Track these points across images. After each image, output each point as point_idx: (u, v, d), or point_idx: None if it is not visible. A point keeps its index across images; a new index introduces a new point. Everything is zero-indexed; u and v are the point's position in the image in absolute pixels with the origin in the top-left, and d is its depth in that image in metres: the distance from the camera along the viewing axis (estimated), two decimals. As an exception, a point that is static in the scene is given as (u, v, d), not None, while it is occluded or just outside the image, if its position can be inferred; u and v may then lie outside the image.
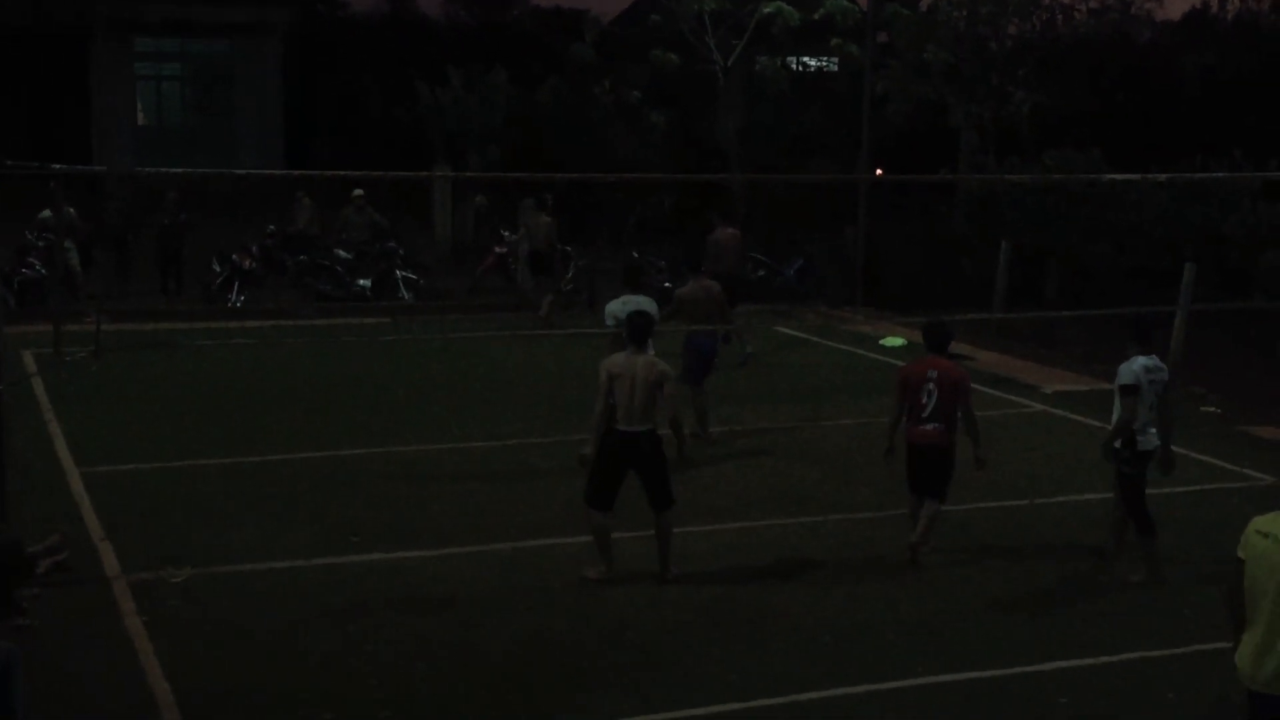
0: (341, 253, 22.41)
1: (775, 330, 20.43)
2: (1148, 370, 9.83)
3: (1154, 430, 9.93)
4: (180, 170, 19.99)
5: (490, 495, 11.70)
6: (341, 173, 17.14)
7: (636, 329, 9.92)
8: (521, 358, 17.79)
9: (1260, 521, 5.98)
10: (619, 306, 12.29)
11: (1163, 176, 18.38)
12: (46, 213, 20.34)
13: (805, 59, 37.30)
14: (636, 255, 22.82)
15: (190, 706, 7.64)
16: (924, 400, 10.10)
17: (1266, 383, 16.72)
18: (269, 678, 8.07)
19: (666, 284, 22.46)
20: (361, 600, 9.30)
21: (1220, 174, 19.57)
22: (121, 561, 9.88)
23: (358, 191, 23.16)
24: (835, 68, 34.42)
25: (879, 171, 24.92)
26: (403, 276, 22.22)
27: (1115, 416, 9.92)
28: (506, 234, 23.62)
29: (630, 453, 9.58)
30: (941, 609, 9.37)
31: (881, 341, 19.48)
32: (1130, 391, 9.75)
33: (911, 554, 10.13)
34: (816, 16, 27.44)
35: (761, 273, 23.77)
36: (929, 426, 10.12)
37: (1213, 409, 15.72)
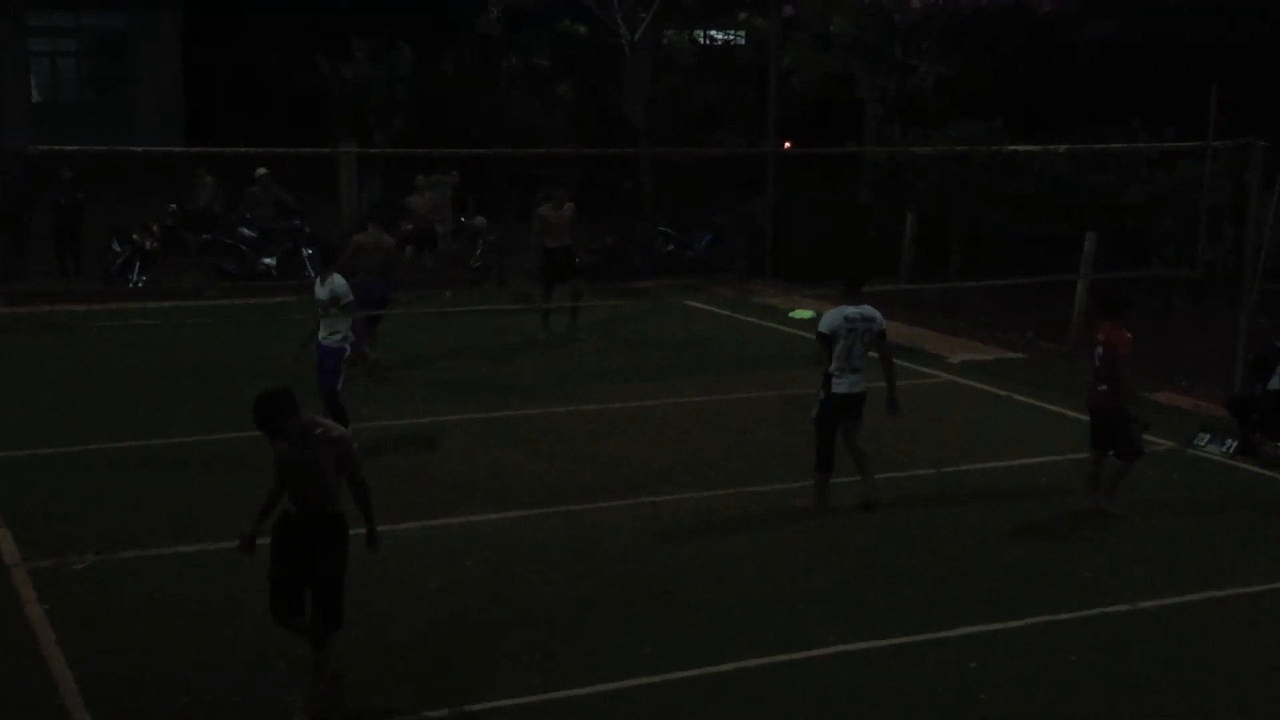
0: (246, 231, 22.06)
1: (685, 304, 20.47)
2: (848, 320, 10.60)
3: (855, 376, 10.65)
4: (75, 148, 19.57)
5: (400, 475, 11.61)
6: (243, 149, 16.81)
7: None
8: (430, 336, 17.66)
9: None
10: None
11: (1063, 147, 18.62)
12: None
13: (712, 32, 37.32)
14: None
15: (94, 695, 7.51)
16: (1096, 364, 10.79)
17: (1164, 349, 17.04)
18: (175, 664, 7.95)
19: (575, 259, 22.41)
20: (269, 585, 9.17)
21: (1118, 145, 19.87)
22: (21, 549, 9.68)
23: (262, 170, 22.81)
24: (742, 41, 34.47)
25: (786, 144, 25.02)
26: (309, 255, 21.92)
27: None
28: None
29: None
30: (851, 578, 9.47)
31: (791, 314, 19.60)
32: (822, 339, 10.63)
33: (1099, 506, 10.86)
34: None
35: (671, 246, 23.79)
36: (1100, 389, 10.80)
37: (1114, 375, 15.99)
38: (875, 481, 10.97)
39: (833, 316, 10.69)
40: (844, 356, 10.61)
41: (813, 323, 17.93)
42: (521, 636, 8.38)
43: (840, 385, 10.64)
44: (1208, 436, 12.89)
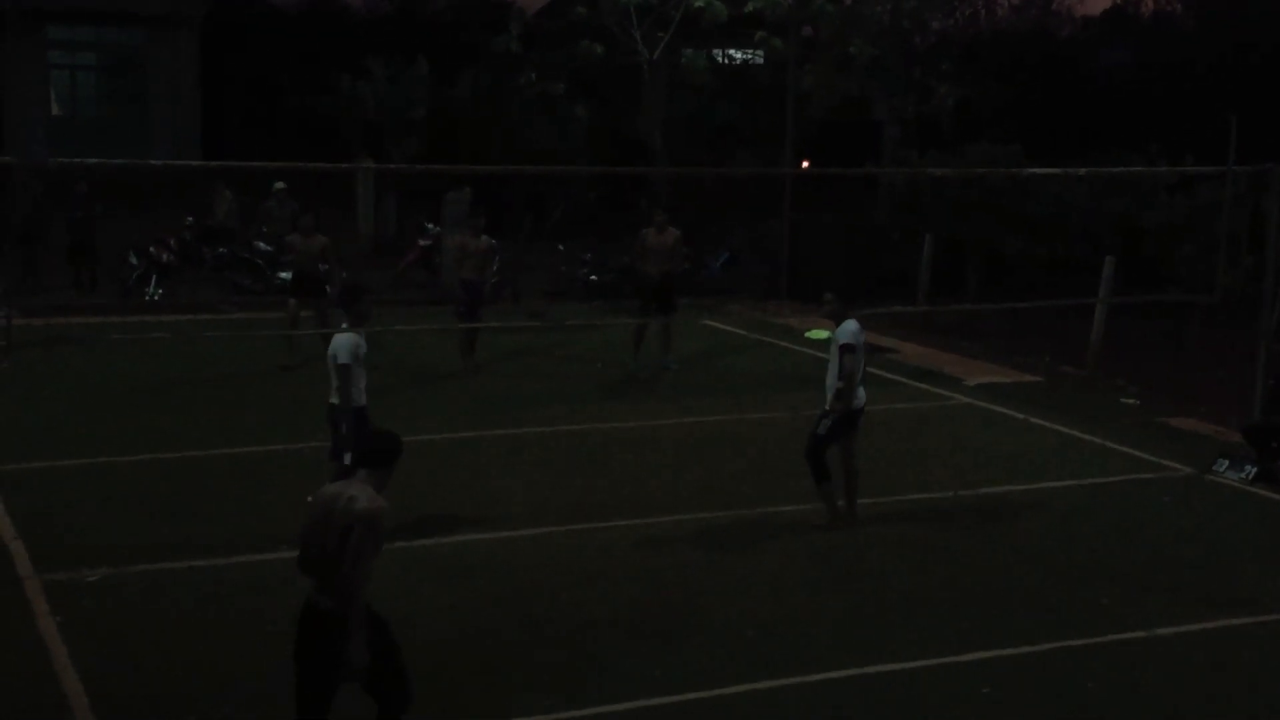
0: (262, 245, 22.10)
1: (701, 324, 20.45)
2: (858, 333, 10.56)
3: (862, 388, 10.67)
4: (94, 161, 19.62)
5: (413, 492, 11.56)
6: (260, 164, 16.87)
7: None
8: (444, 352, 17.63)
9: None
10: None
11: (1082, 171, 18.57)
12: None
13: (730, 52, 37.38)
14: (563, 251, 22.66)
15: (105, 709, 7.48)
16: None
17: (1183, 374, 16.99)
18: (187, 677, 7.92)
19: (593, 277, 22.45)
20: (283, 599, 9.14)
21: (1137, 168, 19.82)
22: (34, 562, 9.67)
23: (279, 184, 22.86)
24: (760, 61, 34.51)
25: (804, 164, 25.02)
26: (324, 270, 21.93)
27: (835, 372, 10.52)
28: (430, 226, 23.43)
29: None
30: (865, 601, 9.40)
31: (807, 334, 19.56)
32: (850, 350, 10.44)
33: None
34: (748, 9, 27.41)
35: (687, 266, 23.77)
36: None
37: (1132, 400, 15.94)
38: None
39: (853, 329, 10.64)
40: (861, 369, 10.64)
41: (828, 343, 17.96)
42: (532, 657, 8.34)
43: (857, 400, 10.63)
44: (1226, 463, 12.81)
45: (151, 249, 20.99)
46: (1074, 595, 9.60)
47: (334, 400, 10.38)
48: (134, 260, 21.02)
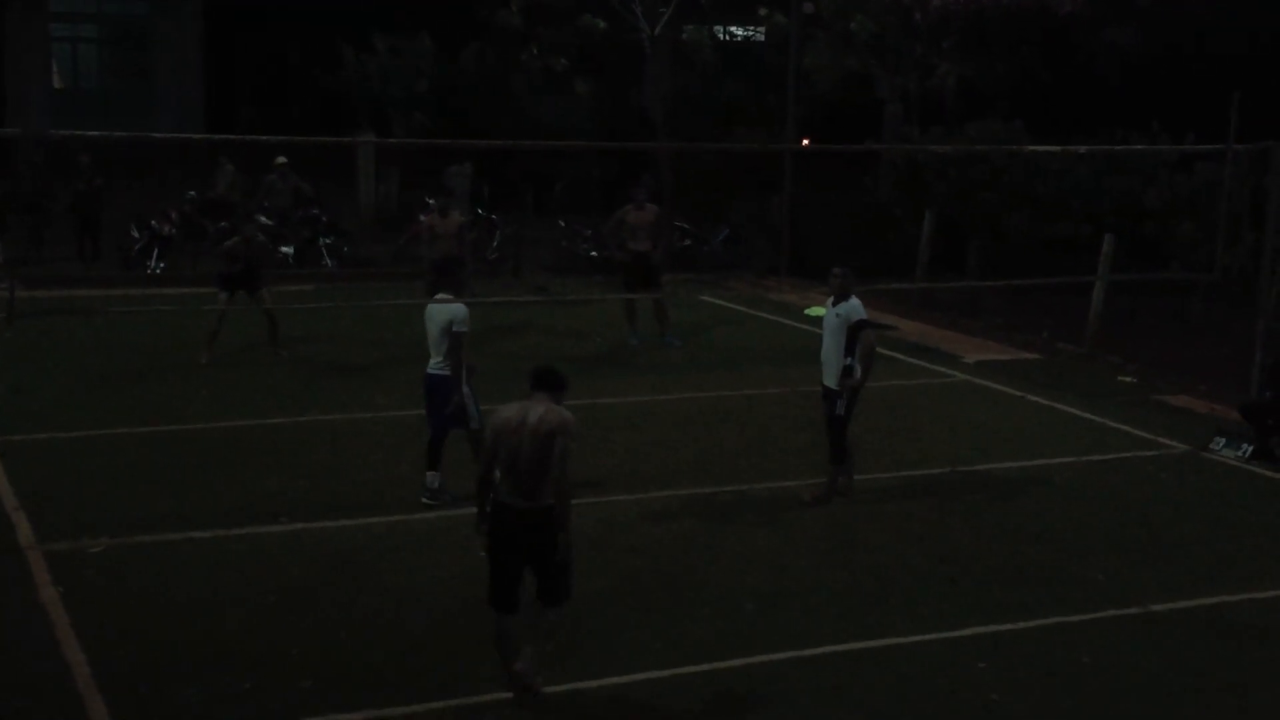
0: (264, 219, 22.09)
1: (701, 299, 20.47)
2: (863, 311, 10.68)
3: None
4: (97, 133, 19.60)
5: (413, 465, 11.63)
6: (262, 137, 16.87)
7: None
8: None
9: None
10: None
11: (1083, 149, 18.58)
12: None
13: (732, 28, 37.26)
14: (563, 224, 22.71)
15: (107, 678, 7.54)
16: None
17: (1181, 352, 17.01)
18: (188, 648, 7.98)
19: (593, 253, 22.46)
20: (283, 570, 9.23)
21: (1139, 146, 19.82)
22: (37, 531, 9.74)
23: (281, 159, 22.85)
24: (762, 37, 34.42)
25: (805, 141, 24.98)
26: (326, 244, 21.98)
27: (840, 348, 10.59)
28: (431, 201, 23.41)
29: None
30: (863, 576, 9.46)
31: (806, 311, 19.57)
32: (868, 325, 10.65)
33: None
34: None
35: (688, 242, 23.80)
36: None
37: (1129, 378, 15.98)
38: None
39: (860, 306, 10.72)
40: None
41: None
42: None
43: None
44: (1223, 440, 12.86)
45: (154, 222, 21.00)
46: (1070, 571, 9.66)
47: (435, 370, 10.61)
48: (136, 233, 21.04)
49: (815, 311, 19.39)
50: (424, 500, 10.56)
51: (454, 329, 10.39)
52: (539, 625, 7.50)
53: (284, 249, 21.63)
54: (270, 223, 22.02)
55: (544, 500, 7.27)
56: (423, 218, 23.18)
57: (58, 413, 12.99)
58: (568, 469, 7.30)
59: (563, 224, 23.74)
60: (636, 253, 16.85)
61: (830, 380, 10.76)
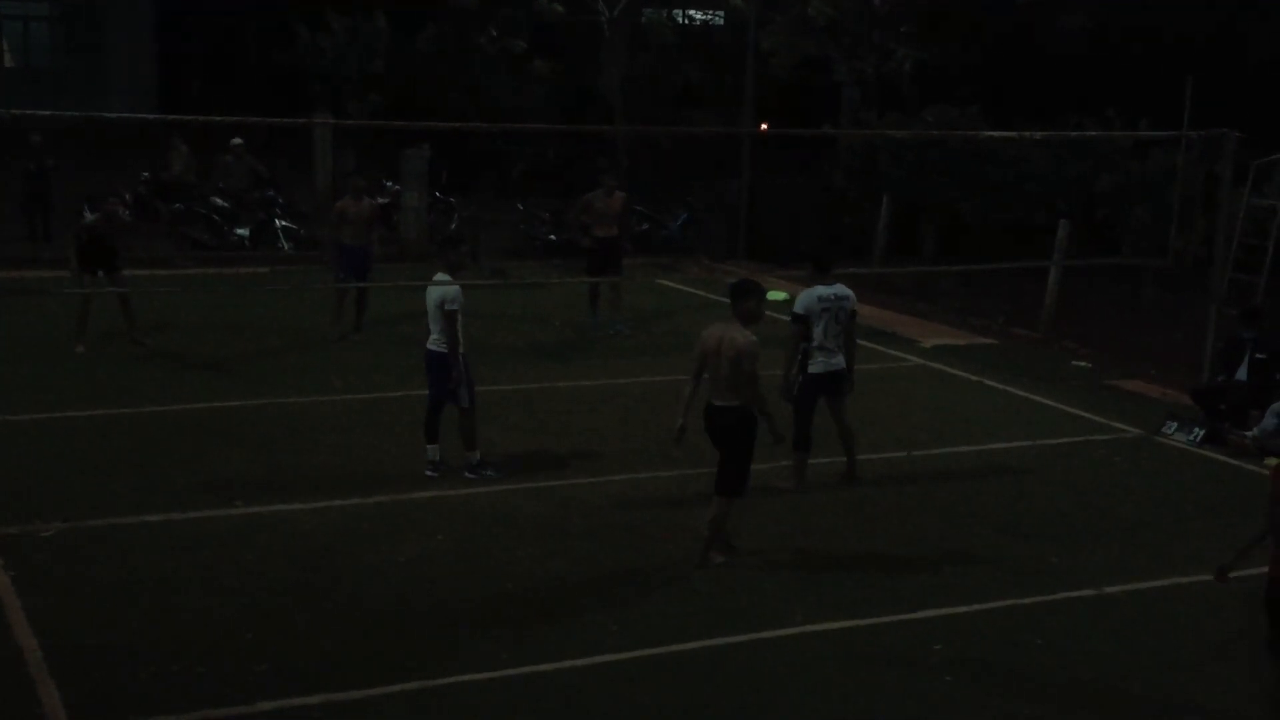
0: (219, 201, 21.92)
1: (658, 283, 20.46)
2: (822, 300, 10.71)
3: (832, 354, 10.77)
4: (48, 113, 19.34)
5: (370, 447, 11.59)
6: (216, 118, 16.69)
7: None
8: (401, 309, 17.58)
9: None
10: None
11: (1038, 134, 18.67)
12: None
13: (690, 11, 37.24)
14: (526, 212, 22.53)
15: (59, 663, 7.47)
16: None
17: (1134, 337, 17.17)
18: (142, 632, 7.92)
19: (551, 236, 22.40)
20: (238, 553, 9.18)
21: (1094, 133, 19.95)
22: (-13, 515, 9.63)
23: (236, 140, 22.66)
24: (720, 21, 34.41)
25: (763, 126, 25.01)
26: (282, 226, 21.82)
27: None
28: (389, 184, 23.29)
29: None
30: (819, 559, 9.51)
31: (766, 295, 19.60)
32: (799, 320, 10.72)
33: None
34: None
35: (645, 225, 23.77)
36: None
37: (1083, 364, 16.11)
38: (858, 460, 11.15)
39: (807, 297, 10.75)
40: (820, 336, 10.69)
41: (787, 304, 18.01)
42: (489, 611, 8.39)
43: (816, 365, 10.75)
44: (1175, 425, 12.99)
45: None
46: (1024, 554, 9.74)
47: (433, 346, 10.80)
48: (88, 213, 20.76)
49: (774, 295, 19.43)
50: (466, 475, 10.81)
51: (445, 307, 10.61)
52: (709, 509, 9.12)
53: (239, 231, 21.46)
54: (225, 204, 21.85)
55: (731, 401, 9.03)
56: (380, 199, 23.10)
57: (9, 394, 12.84)
58: (754, 381, 8.98)
59: (521, 207, 23.66)
60: (602, 239, 16.81)
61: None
